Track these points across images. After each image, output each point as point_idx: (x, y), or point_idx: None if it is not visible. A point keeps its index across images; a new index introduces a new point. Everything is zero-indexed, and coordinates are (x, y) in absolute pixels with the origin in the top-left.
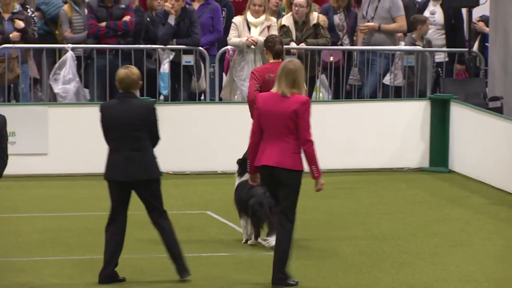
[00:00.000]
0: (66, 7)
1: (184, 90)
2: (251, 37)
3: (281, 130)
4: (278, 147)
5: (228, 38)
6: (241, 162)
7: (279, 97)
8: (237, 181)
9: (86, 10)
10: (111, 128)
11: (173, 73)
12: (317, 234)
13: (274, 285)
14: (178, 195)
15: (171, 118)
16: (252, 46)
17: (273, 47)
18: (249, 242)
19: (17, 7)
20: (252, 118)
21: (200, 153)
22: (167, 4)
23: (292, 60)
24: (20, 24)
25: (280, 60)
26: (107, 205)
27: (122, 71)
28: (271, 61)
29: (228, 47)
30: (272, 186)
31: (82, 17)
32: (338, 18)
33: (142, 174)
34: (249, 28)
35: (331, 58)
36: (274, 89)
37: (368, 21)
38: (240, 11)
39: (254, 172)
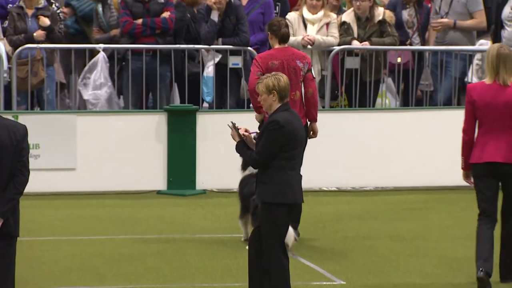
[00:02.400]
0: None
1: (232, 96)
2: (308, 35)
3: (505, 123)
4: (504, 141)
5: None
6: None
7: (498, 86)
8: (241, 175)
9: (110, 8)
10: None
11: (220, 76)
12: (383, 261)
13: (503, 279)
14: (224, 216)
15: (216, 128)
16: (309, 46)
17: (278, 30)
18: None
19: (42, 2)
20: (254, 108)
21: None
22: None
23: (502, 44)
24: (46, 21)
25: (286, 45)
26: (143, 227)
27: None
28: (276, 46)
29: None
30: (493, 183)
31: (106, 16)
32: (407, 14)
33: None
34: (305, 26)
35: (399, 60)
36: (488, 79)
37: (442, 17)
38: (295, 6)
39: (468, 169)
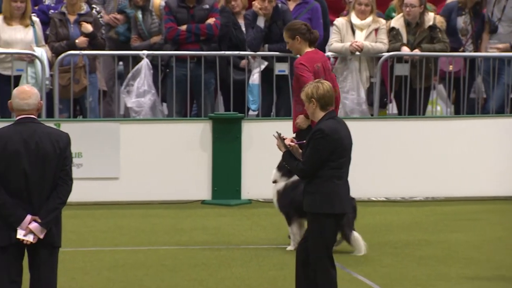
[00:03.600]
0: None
1: (280, 103)
2: (356, 42)
3: None
4: None
5: (328, 43)
6: (280, 166)
7: None
8: (282, 182)
9: (151, 15)
10: None
11: (267, 82)
12: (433, 273)
13: None
14: (270, 227)
15: (261, 136)
16: (357, 53)
17: (308, 33)
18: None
19: (85, 8)
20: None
21: None
22: (255, 4)
23: None
24: (88, 27)
25: (314, 48)
26: (187, 238)
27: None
28: (307, 50)
29: (329, 53)
30: None
31: (147, 23)
32: (462, 21)
33: None
34: (353, 32)
35: (451, 67)
36: None
37: (495, 23)
38: (335, 9)
39: None
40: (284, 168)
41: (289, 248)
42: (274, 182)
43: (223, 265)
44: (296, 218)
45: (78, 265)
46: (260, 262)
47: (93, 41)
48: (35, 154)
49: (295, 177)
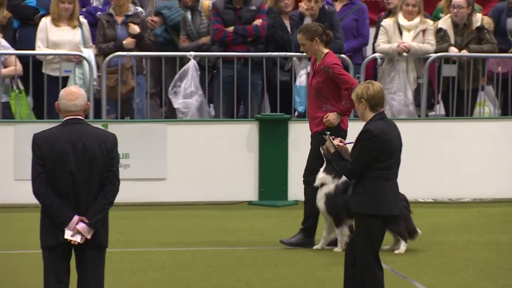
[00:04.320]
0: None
1: None
2: (403, 43)
3: None
4: None
5: (376, 44)
6: (327, 169)
7: None
8: (331, 183)
9: (200, 15)
10: None
11: None
12: (481, 275)
13: None
14: (317, 228)
15: (308, 137)
16: (404, 54)
17: (325, 34)
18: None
19: (132, 9)
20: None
21: None
22: (302, 5)
23: None
24: (136, 29)
25: (329, 49)
26: (234, 238)
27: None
28: (326, 51)
29: (376, 54)
30: None
31: (196, 23)
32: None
33: None
34: (400, 33)
35: (499, 68)
36: None
37: None
38: (376, 9)
39: None
40: (333, 170)
41: (336, 249)
42: (322, 185)
43: (270, 266)
44: (346, 220)
45: (125, 266)
46: (307, 263)
47: (140, 42)
48: (82, 155)
49: (344, 178)
